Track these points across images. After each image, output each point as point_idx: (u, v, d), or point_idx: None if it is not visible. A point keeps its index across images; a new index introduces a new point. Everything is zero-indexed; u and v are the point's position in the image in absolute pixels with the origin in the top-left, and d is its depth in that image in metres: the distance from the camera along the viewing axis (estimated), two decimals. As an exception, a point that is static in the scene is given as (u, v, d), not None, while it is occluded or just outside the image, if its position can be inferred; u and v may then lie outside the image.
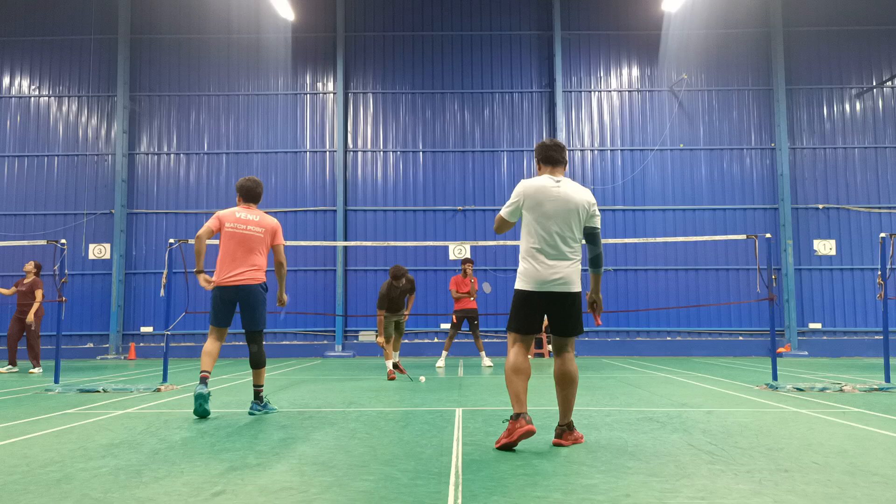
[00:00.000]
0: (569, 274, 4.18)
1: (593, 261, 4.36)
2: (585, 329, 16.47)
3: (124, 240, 17.36)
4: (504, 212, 4.36)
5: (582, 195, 4.27)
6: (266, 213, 6.05)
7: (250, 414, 5.70)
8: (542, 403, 6.24)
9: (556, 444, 4.15)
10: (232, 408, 6.17)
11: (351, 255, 17.41)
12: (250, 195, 5.96)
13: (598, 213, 4.33)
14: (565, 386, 4.21)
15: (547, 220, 4.19)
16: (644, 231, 17.06)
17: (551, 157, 4.36)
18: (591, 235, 4.32)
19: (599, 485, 3.14)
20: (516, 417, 4.02)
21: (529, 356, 4.35)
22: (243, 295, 5.71)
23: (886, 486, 3.09)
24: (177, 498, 2.94)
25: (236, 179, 17.41)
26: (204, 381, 5.53)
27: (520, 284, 4.26)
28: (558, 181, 4.28)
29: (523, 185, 4.30)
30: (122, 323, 17.19)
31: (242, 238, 5.74)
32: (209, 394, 5.47)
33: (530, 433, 3.95)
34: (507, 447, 4.01)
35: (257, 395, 5.80)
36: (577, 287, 4.22)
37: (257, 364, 5.88)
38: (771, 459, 3.70)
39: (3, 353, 13.57)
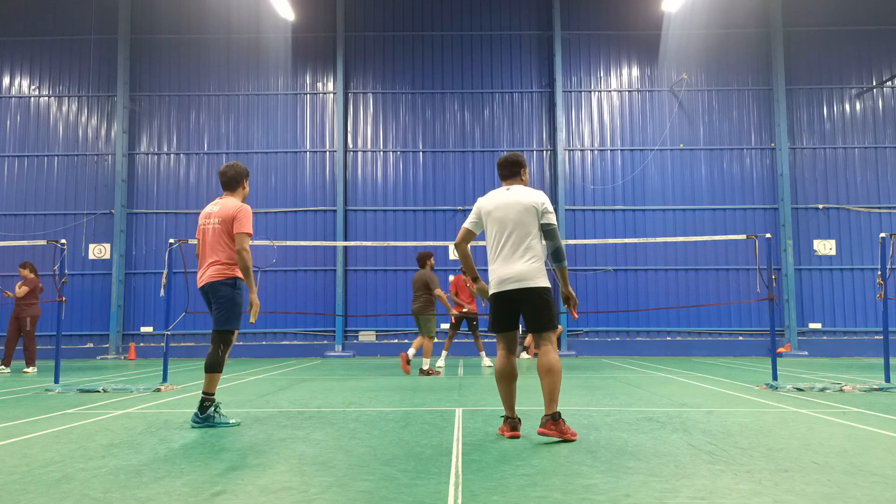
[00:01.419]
0: (523, 271, 4.41)
1: (554, 255, 4.56)
2: (585, 329, 16.72)
3: (124, 240, 17.37)
4: (467, 223, 4.72)
5: (531, 197, 4.52)
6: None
7: (192, 427, 5.02)
8: (541, 404, 6.22)
9: (540, 434, 4.27)
10: (231, 408, 6.17)
11: (351, 255, 17.41)
12: (227, 184, 5.40)
13: (550, 210, 4.54)
14: (545, 376, 4.35)
15: (500, 224, 4.50)
16: (644, 231, 17.06)
17: (500, 173, 4.78)
18: (547, 232, 4.52)
19: (599, 485, 3.14)
20: (504, 420, 4.55)
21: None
22: (209, 292, 5.24)
23: (886, 486, 3.09)
24: (177, 498, 2.94)
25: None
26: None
27: (490, 288, 4.60)
28: (508, 189, 4.62)
29: (479, 200, 4.71)
30: (122, 323, 17.20)
31: (204, 234, 5.29)
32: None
33: (515, 438, 4.40)
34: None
35: (201, 404, 5.03)
36: (535, 283, 4.42)
37: (207, 367, 5.11)
38: (771, 459, 3.70)
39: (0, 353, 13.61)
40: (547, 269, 4.50)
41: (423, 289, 10.25)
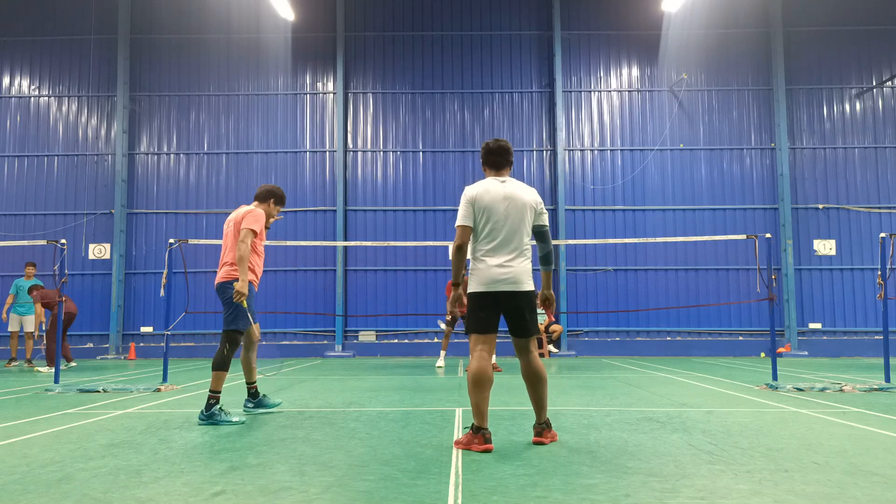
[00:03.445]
0: (519, 273, 4.18)
1: (544, 258, 4.39)
2: (585, 329, 16.71)
3: (124, 240, 17.36)
4: (460, 221, 4.26)
5: (529, 194, 4.31)
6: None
7: (198, 424, 5.19)
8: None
9: (535, 443, 4.19)
10: (231, 408, 6.16)
11: (351, 255, 17.41)
12: (256, 197, 5.82)
13: (545, 211, 4.39)
14: (535, 385, 4.24)
15: (497, 218, 4.20)
16: (644, 231, 17.05)
17: (495, 161, 4.39)
18: (540, 234, 4.36)
19: (599, 485, 3.14)
20: (477, 431, 4.03)
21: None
22: (218, 292, 5.49)
23: (886, 486, 3.09)
24: (177, 498, 2.94)
25: (236, 179, 17.54)
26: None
27: (472, 286, 4.26)
28: (503, 181, 4.32)
29: (470, 190, 4.29)
30: (122, 323, 17.19)
31: (225, 238, 5.65)
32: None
33: (488, 451, 3.95)
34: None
35: (207, 402, 5.15)
36: (527, 286, 4.21)
37: (213, 364, 5.28)
38: (771, 459, 3.70)
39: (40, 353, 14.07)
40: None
41: None
